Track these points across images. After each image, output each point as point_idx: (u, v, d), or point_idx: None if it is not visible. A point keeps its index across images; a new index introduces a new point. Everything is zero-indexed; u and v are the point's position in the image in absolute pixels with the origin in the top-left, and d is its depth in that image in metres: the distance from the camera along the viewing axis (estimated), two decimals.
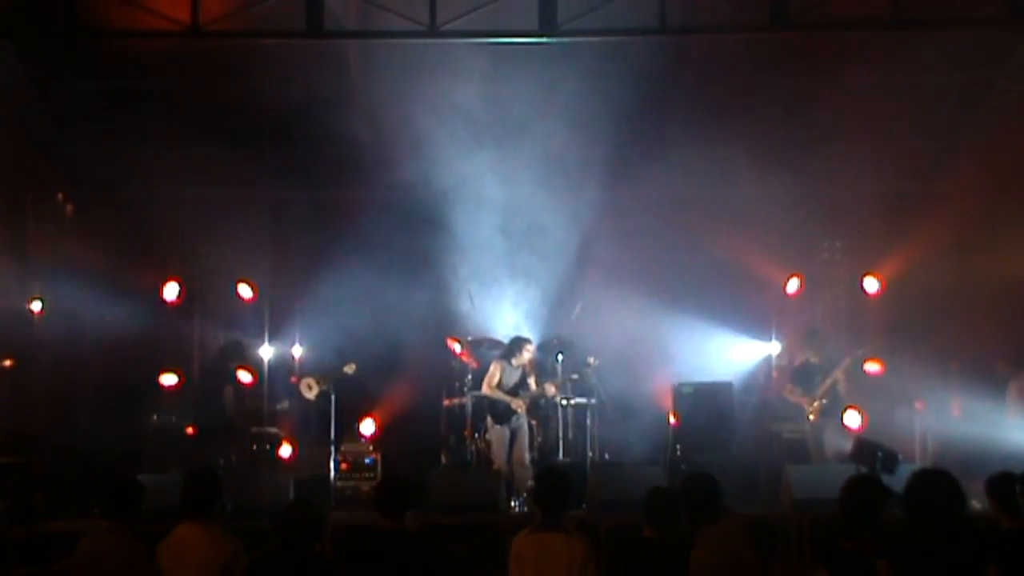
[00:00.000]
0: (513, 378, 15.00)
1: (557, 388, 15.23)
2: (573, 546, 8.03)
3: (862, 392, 15.12)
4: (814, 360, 15.07)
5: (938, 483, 7.19)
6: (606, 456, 15.80)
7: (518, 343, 15.14)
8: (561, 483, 8.46)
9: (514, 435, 14.88)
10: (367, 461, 15.34)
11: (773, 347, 17.33)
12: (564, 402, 15.53)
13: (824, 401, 14.80)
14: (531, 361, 15.07)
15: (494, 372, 15.03)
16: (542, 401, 15.27)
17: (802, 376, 15.17)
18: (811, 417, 14.89)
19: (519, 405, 14.82)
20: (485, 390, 15.08)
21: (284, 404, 16.22)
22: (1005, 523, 8.16)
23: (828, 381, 14.79)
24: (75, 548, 8.17)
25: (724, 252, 17.02)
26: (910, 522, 7.16)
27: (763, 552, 8.43)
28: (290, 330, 17.19)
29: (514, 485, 14.48)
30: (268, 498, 12.16)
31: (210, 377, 15.76)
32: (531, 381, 15.03)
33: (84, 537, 8.21)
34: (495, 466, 14.80)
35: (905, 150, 17.45)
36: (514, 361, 15.02)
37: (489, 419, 15.01)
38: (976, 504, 9.66)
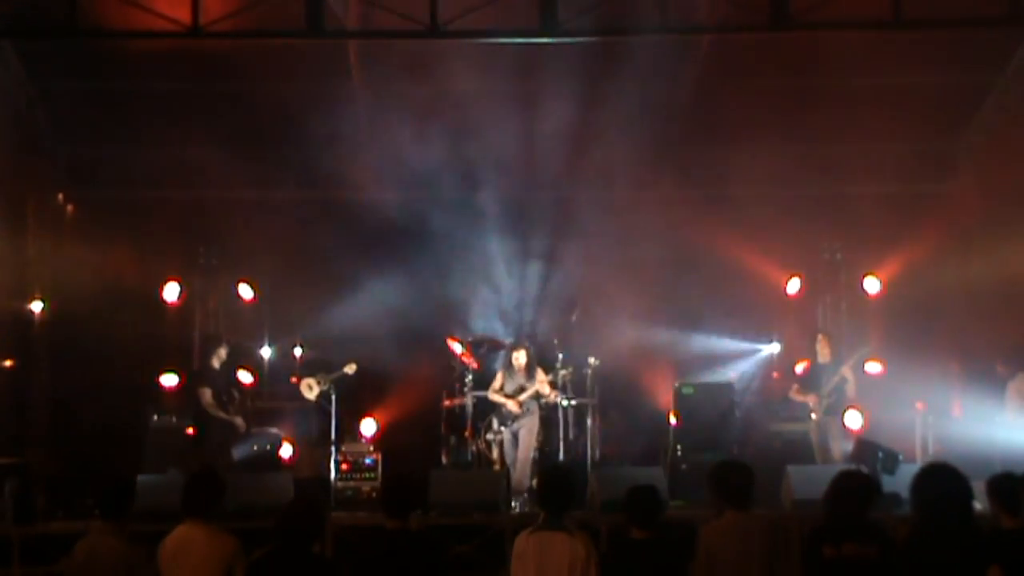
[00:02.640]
0: (516, 382, 15.04)
1: (552, 387, 15.18)
2: (575, 546, 8.02)
3: (863, 392, 15.12)
4: (822, 360, 15.03)
5: (947, 478, 7.20)
6: (605, 456, 15.83)
7: (510, 348, 15.20)
8: (564, 483, 8.45)
9: (516, 436, 14.91)
10: (368, 461, 15.33)
11: (774, 347, 17.32)
12: (564, 402, 15.52)
13: (831, 399, 14.76)
14: (527, 364, 15.05)
15: (497, 379, 15.13)
16: (542, 401, 15.22)
17: (810, 377, 15.14)
18: (813, 415, 14.85)
19: (514, 405, 14.82)
20: (491, 395, 15.17)
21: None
22: (1007, 523, 8.14)
23: (835, 379, 14.75)
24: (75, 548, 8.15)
25: (725, 252, 17.00)
26: (919, 519, 7.15)
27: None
28: (291, 330, 17.15)
29: (513, 486, 14.47)
30: (269, 498, 12.13)
31: (192, 377, 15.76)
32: (536, 380, 14.99)
33: (81, 538, 8.18)
34: (498, 467, 14.80)
35: (906, 151, 17.46)
36: (512, 366, 15.05)
37: (496, 421, 15.10)
38: (976, 505, 9.64)
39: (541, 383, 15.08)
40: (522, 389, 15.02)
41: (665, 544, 8.18)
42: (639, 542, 8.17)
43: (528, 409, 15.04)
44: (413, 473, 9.53)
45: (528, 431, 14.98)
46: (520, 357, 15.06)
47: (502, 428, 15.03)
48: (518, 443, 14.95)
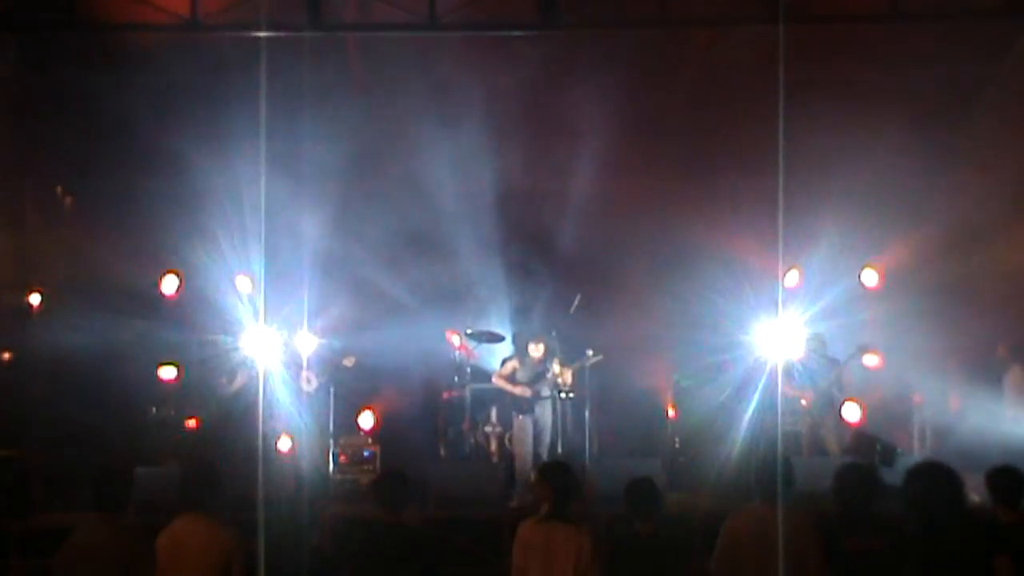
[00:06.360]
0: (531, 371, 14.78)
1: (574, 374, 15.06)
2: (581, 538, 8.06)
3: (861, 385, 15.12)
4: (817, 356, 15.02)
5: (937, 476, 7.20)
6: (603, 449, 15.82)
7: (530, 336, 14.98)
8: (569, 475, 8.49)
9: (537, 425, 14.68)
10: (366, 454, 15.33)
11: (772, 339, 17.28)
12: (562, 395, 15.49)
13: (826, 396, 14.76)
14: (544, 355, 14.87)
15: (508, 367, 14.89)
16: (559, 392, 15.10)
17: (800, 371, 15.13)
18: (804, 408, 14.84)
19: (524, 392, 14.64)
20: (495, 380, 14.97)
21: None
22: (1005, 517, 8.14)
23: (831, 376, 14.75)
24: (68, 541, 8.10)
25: (723, 244, 16.99)
26: (911, 518, 7.17)
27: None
28: (290, 325, 17.10)
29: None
30: (268, 490, 12.12)
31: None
32: (554, 368, 14.81)
33: (75, 530, 8.16)
34: (497, 460, 14.70)
35: (904, 143, 17.42)
36: (532, 353, 14.86)
37: (514, 411, 14.85)
38: (975, 497, 9.65)
39: (567, 371, 14.88)
40: (541, 375, 14.72)
41: (669, 538, 8.23)
42: (645, 536, 8.21)
43: (545, 396, 14.82)
44: (405, 466, 9.58)
45: (550, 421, 14.78)
46: (540, 347, 14.85)
47: (520, 416, 14.77)
48: (539, 432, 14.68)
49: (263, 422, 15.53)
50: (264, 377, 15.80)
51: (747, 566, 8.01)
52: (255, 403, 14.46)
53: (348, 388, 16.06)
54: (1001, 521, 8.07)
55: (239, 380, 14.56)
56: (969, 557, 7.02)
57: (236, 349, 15.20)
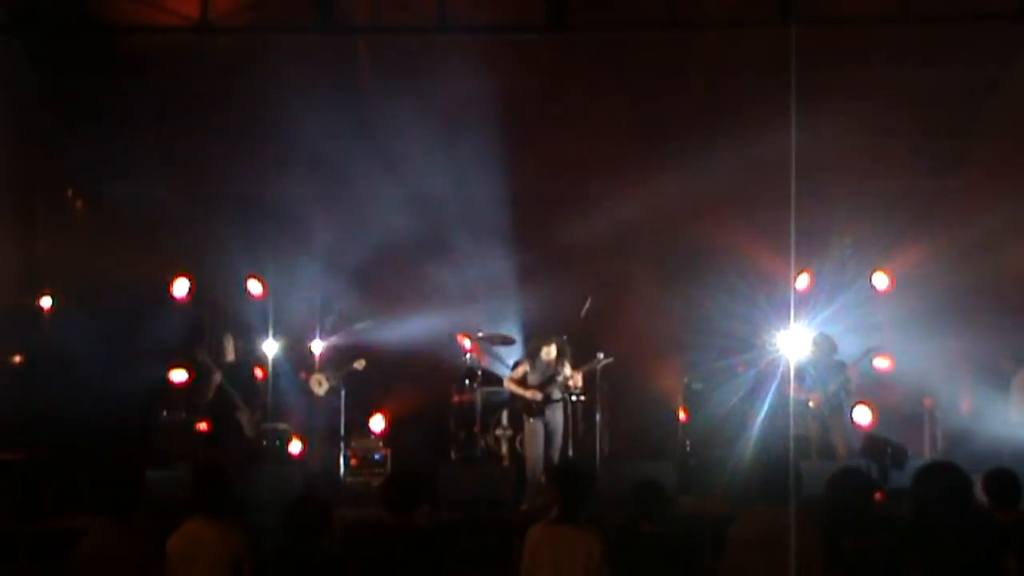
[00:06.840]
0: (542, 374, 14.61)
1: (585, 377, 14.99)
2: (591, 542, 8.03)
3: (872, 388, 15.08)
4: (825, 359, 14.99)
5: (946, 476, 7.19)
6: (615, 452, 15.81)
7: (542, 340, 14.92)
8: (579, 478, 8.47)
9: (548, 428, 14.53)
10: (376, 457, 15.35)
11: (783, 342, 17.28)
12: (573, 398, 15.47)
13: (836, 398, 14.73)
14: (557, 357, 14.79)
15: (519, 371, 14.82)
16: (569, 395, 15.04)
17: (811, 374, 15.10)
18: (812, 410, 14.83)
19: (535, 395, 14.58)
20: (506, 384, 14.92)
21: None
22: (1003, 519, 8.13)
23: (840, 378, 14.72)
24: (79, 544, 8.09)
25: (735, 247, 16.98)
26: (920, 520, 7.15)
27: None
28: (301, 327, 17.11)
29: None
30: (278, 493, 12.14)
31: None
32: (565, 371, 14.73)
33: (85, 533, 8.14)
34: (508, 463, 14.67)
35: (915, 146, 17.41)
36: (543, 356, 14.77)
37: (524, 414, 14.69)
38: (984, 499, 9.65)
39: (577, 375, 14.75)
40: (552, 378, 14.56)
41: (675, 537, 8.21)
42: (650, 535, 8.20)
43: (556, 399, 14.68)
44: (416, 468, 9.57)
45: (561, 424, 14.70)
46: (551, 351, 14.71)
47: (531, 419, 14.60)
48: (549, 436, 14.51)
49: (274, 424, 15.63)
50: (273, 379, 15.90)
51: (754, 569, 7.98)
52: (232, 405, 14.41)
53: (359, 391, 16.07)
54: (1000, 522, 8.06)
55: (215, 381, 14.44)
56: (978, 557, 7.00)
57: (242, 353, 15.10)
